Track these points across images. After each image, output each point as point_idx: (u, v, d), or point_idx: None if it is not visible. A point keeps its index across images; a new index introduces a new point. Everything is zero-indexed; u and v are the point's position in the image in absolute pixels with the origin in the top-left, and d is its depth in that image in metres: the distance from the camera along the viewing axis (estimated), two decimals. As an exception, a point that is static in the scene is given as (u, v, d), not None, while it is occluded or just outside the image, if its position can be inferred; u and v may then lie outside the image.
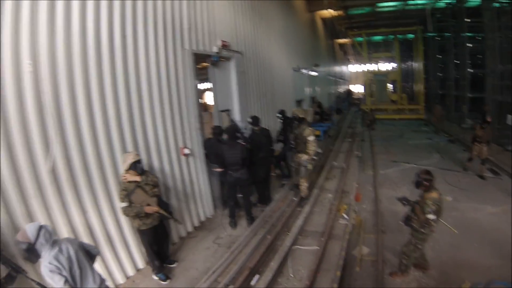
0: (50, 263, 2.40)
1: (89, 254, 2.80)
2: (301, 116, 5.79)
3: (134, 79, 4.40)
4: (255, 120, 6.36)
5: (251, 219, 5.61)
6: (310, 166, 5.95)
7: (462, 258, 4.66)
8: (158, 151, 4.87)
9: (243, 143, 5.42)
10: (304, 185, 6.00)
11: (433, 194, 3.64)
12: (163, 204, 4.07)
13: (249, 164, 5.48)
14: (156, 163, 4.80)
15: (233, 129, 5.46)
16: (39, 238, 2.40)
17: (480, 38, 14.69)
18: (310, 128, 5.67)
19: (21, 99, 3.11)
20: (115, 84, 4.11)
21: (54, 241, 2.52)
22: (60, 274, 2.40)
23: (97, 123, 3.89)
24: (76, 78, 3.63)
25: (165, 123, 4.98)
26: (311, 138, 5.58)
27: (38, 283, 2.56)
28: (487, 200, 6.53)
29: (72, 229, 3.59)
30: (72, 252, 2.56)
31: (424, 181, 3.70)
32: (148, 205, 3.79)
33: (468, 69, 13.69)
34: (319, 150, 10.56)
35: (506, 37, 10.00)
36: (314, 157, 6.11)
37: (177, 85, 5.25)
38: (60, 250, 2.51)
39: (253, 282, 3.87)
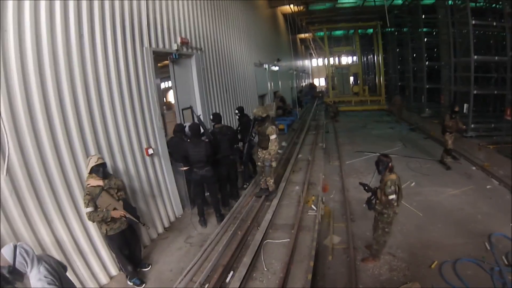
0: (46, 277, 2.45)
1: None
2: (263, 115, 5.43)
3: (93, 80, 4.29)
4: (215, 118, 6.24)
5: (220, 217, 5.63)
6: (274, 164, 5.73)
7: (428, 239, 4.96)
8: (122, 153, 4.80)
9: (207, 140, 5.46)
10: (270, 182, 5.82)
11: (392, 176, 3.93)
12: (129, 208, 4.02)
13: (213, 162, 5.52)
14: (120, 165, 4.74)
15: (197, 126, 5.44)
16: (17, 257, 2.40)
17: (435, 33, 15.84)
18: (273, 126, 5.34)
19: None
20: (73, 86, 4.00)
21: (38, 257, 2.54)
22: (56, 286, 2.49)
23: (55, 126, 3.77)
24: (31, 80, 3.48)
25: (127, 123, 4.92)
26: (273, 136, 5.31)
27: None
28: (448, 183, 7.02)
29: (38, 241, 3.53)
30: (54, 266, 2.62)
31: (381, 163, 4.05)
32: (115, 209, 3.76)
33: (425, 62, 14.62)
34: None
35: (458, 32, 10.81)
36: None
37: (138, 85, 5.19)
38: (49, 264, 2.56)
39: (228, 279, 3.87)
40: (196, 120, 6.23)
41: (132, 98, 5.04)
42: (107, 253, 4.30)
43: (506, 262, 4.25)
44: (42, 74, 3.60)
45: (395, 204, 3.93)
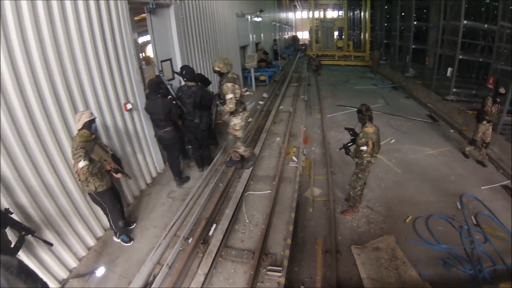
0: None
1: None
2: (221, 68, 4.63)
3: (65, 38, 3.80)
4: (187, 73, 5.28)
5: (180, 180, 5.49)
6: (238, 134, 4.97)
7: (405, 194, 5.13)
8: (99, 109, 4.49)
9: (170, 97, 5.08)
10: (241, 150, 5.13)
11: (367, 129, 4.01)
12: (117, 159, 4.04)
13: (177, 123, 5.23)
14: (98, 121, 4.37)
15: (155, 82, 4.97)
16: None
17: None
18: (229, 83, 4.56)
19: None
20: (43, 46, 3.50)
21: None
22: None
23: (25, 87, 3.33)
24: None
25: (103, 79, 4.55)
26: (228, 96, 4.58)
27: (45, 241, 3.06)
28: (426, 142, 7.19)
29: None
30: None
31: (360, 114, 4.08)
32: (105, 161, 3.73)
33: (413, 22, 14.29)
34: (264, 95, 10.48)
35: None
36: (248, 120, 5.38)
37: (113, 38, 4.75)
38: None
39: (211, 232, 3.86)
40: (158, 74, 5.51)
41: (108, 53, 4.63)
42: (91, 214, 4.19)
43: (474, 222, 4.47)
44: (6, 32, 3.11)
45: (365, 155, 4.04)
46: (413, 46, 14.24)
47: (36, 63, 3.44)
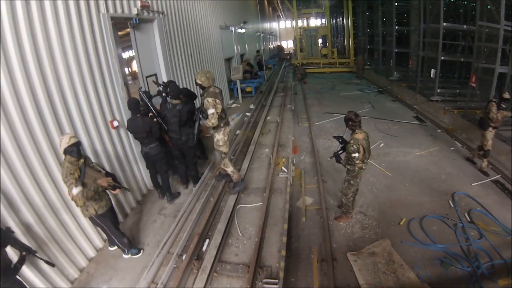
0: None
1: None
2: (203, 82, 4.52)
3: (47, 54, 3.74)
4: (171, 90, 5.18)
5: (170, 196, 5.41)
6: (223, 149, 4.81)
7: (397, 197, 5.17)
8: (86, 128, 4.41)
9: (151, 115, 5.04)
10: (229, 170, 4.97)
11: (357, 135, 4.00)
12: (109, 176, 3.90)
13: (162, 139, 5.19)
14: (85, 141, 4.37)
15: (133, 101, 4.88)
16: None
17: None
18: (210, 98, 4.44)
19: None
20: (24, 63, 3.46)
21: None
22: None
23: (7, 105, 3.28)
24: None
25: (89, 97, 4.50)
26: (210, 111, 4.45)
27: (47, 261, 3.04)
28: (415, 144, 7.29)
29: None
30: None
31: (349, 121, 4.05)
32: (100, 180, 3.63)
33: (395, 26, 14.71)
34: (251, 106, 10.54)
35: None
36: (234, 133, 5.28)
37: (97, 55, 4.72)
38: None
39: (204, 248, 3.85)
40: (142, 91, 5.40)
41: (92, 70, 4.60)
42: (82, 235, 4.11)
43: (468, 219, 4.52)
44: None
45: (357, 162, 4.03)
46: (396, 50, 14.65)
47: (19, 82, 3.41)
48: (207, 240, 3.95)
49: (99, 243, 4.37)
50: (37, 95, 3.64)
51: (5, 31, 3.26)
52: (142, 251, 4.25)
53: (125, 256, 4.17)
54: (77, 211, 3.88)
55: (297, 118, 9.61)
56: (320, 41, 27.15)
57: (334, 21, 29.75)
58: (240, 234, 4.01)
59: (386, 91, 13.44)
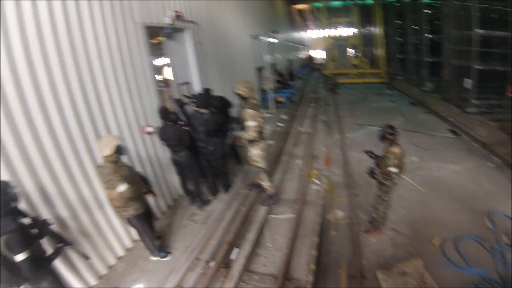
0: None
1: None
2: (244, 92, 4.34)
3: (84, 61, 3.91)
4: (198, 100, 5.13)
5: (200, 202, 5.37)
6: (260, 164, 4.69)
7: (430, 215, 4.92)
8: (120, 133, 4.52)
9: (181, 123, 5.03)
10: (265, 184, 4.94)
11: (395, 149, 3.79)
12: (144, 180, 4.05)
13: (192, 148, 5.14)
14: None
15: (163, 108, 4.96)
16: None
17: (437, 5, 15.14)
18: (252, 110, 4.28)
19: None
20: (64, 70, 3.61)
21: None
22: None
23: (50, 112, 3.44)
24: (19, 65, 3.10)
25: (123, 103, 4.61)
26: (250, 123, 4.27)
27: (83, 254, 3.18)
28: (450, 158, 6.92)
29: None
30: None
31: (387, 135, 3.83)
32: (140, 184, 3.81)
33: (426, 35, 14.10)
34: (284, 117, 10.54)
35: (460, 5, 10.32)
36: (269, 142, 5.07)
37: (132, 63, 4.82)
38: None
39: (233, 256, 3.83)
40: (173, 99, 5.60)
41: (127, 77, 4.72)
42: (112, 232, 4.21)
43: (506, 241, 4.22)
44: (30, 59, 3.24)
45: (395, 176, 3.84)
46: (428, 59, 14.00)
47: (59, 87, 3.55)
48: (236, 249, 3.93)
49: (128, 243, 4.45)
50: (75, 99, 3.77)
51: (46, 40, 3.41)
52: (170, 254, 4.24)
53: (153, 258, 4.19)
54: (109, 209, 4.02)
55: (329, 130, 9.45)
56: (350, 50, 26.66)
57: (364, 30, 29.17)
58: (270, 245, 3.99)
59: (418, 102, 12.88)
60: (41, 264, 2.64)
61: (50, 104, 3.45)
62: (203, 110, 4.98)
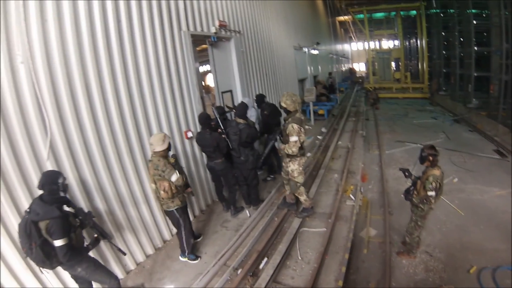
0: None
1: None
2: (288, 106, 4.18)
3: (132, 65, 4.16)
4: (238, 110, 5.08)
5: (234, 210, 5.36)
6: (299, 179, 4.51)
7: (468, 240, 4.55)
8: None
9: (219, 131, 5.02)
10: (301, 199, 4.78)
11: (435, 171, 3.55)
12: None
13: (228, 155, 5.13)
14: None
15: (203, 115, 4.94)
16: None
17: (485, 15, 13.91)
18: (296, 125, 4.06)
19: (17, 91, 2.96)
20: (113, 73, 3.90)
21: None
22: None
23: (97, 112, 3.72)
24: (73, 68, 3.42)
25: (167, 107, 4.80)
26: (293, 138, 4.08)
27: (120, 249, 3.19)
28: (494, 182, 6.34)
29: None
30: None
31: (429, 156, 3.58)
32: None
33: (473, 47, 13.01)
34: (323, 129, 10.41)
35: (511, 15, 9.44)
36: (307, 155, 4.83)
37: (177, 69, 5.02)
38: None
39: (261, 266, 3.79)
40: (214, 107, 5.54)
41: (171, 82, 4.87)
42: (143, 231, 4.33)
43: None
44: (84, 63, 3.53)
45: (433, 201, 3.59)
46: (475, 74, 12.85)
47: (108, 90, 3.80)
48: (266, 259, 3.89)
49: (159, 242, 4.55)
50: (122, 100, 3.98)
51: (99, 47, 3.67)
52: (199, 258, 4.23)
53: (181, 258, 4.21)
54: (144, 208, 4.24)
55: (367, 145, 9.16)
56: (393, 64, 25.48)
57: (407, 43, 27.68)
58: (300, 258, 3.91)
59: (463, 119, 11.89)
60: (77, 252, 2.75)
61: (97, 103, 3.67)
62: (239, 120, 4.94)
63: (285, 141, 4.27)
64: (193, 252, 4.30)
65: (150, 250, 4.42)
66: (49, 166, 3.18)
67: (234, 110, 5.40)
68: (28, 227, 2.51)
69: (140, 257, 4.27)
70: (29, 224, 2.51)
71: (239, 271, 3.68)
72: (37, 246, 2.52)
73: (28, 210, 2.59)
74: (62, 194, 2.74)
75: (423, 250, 4.34)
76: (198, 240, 4.63)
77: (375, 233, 4.84)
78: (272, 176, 6.94)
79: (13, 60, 2.91)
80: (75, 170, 3.46)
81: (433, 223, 4.90)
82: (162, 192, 3.66)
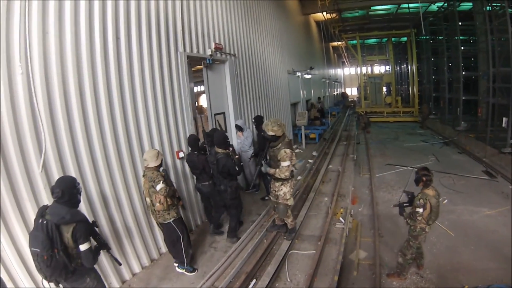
0: None
1: None
2: (276, 132, 4.10)
3: (128, 82, 4.33)
4: (214, 138, 4.84)
5: (214, 228, 5.47)
6: (289, 202, 4.50)
7: (459, 261, 4.64)
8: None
9: (205, 156, 5.10)
10: (289, 220, 4.73)
11: (428, 191, 3.76)
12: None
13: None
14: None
15: (193, 138, 5.06)
16: None
17: (472, 41, 14.76)
18: (288, 149, 4.07)
19: (13, 102, 3.06)
20: (108, 87, 4.05)
21: None
22: None
23: (91, 126, 3.83)
24: (69, 80, 3.57)
25: (159, 126, 4.93)
26: (286, 163, 4.08)
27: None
28: (483, 202, 6.52)
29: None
30: None
31: (422, 177, 3.80)
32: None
33: (461, 72, 13.72)
34: (314, 153, 10.61)
35: (497, 40, 10.10)
36: (298, 178, 4.84)
37: (172, 88, 5.20)
38: None
39: (250, 287, 3.82)
40: (204, 131, 5.49)
41: (166, 102, 5.02)
42: (141, 242, 4.45)
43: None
44: (80, 74, 3.67)
45: (419, 218, 3.74)
46: (464, 98, 13.45)
47: (102, 104, 3.94)
48: (254, 280, 3.93)
49: (155, 255, 4.67)
50: (115, 116, 4.12)
51: (97, 62, 3.83)
52: (196, 271, 4.38)
53: (178, 270, 4.35)
54: (143, 221, 4.36)
55: (358, 168, 9.34)
56: (384, 88, 26.35)
57: (398, 68, 28.87)
58: (289, 280, 3.94)
59: (452, 142, 12.30)
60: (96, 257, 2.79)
61: (91, 115, 3.80)
62: (218, 149, 4.77)
63: (275, 166, 4.25)
64: (191, 264, 4.44)
65: (146, 262, 4.58)
66: (40, 178, 3.27)
67: (205, 139, 5.22)
68: (50, 232, 2.47)
69: (137, 268, 4.41)
70: (51, 229, 2.48)
71: (227, 293, 3.69)
72: (60, 252, 2.50)
73: (43, 215, 2.56)
74: (79, 198, 2.78)
75: (414, 271, 4.38)
76: (191, 274, 4.53)
77: (365, 255, 4.89)
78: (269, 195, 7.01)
79: (12, 70, 3.04)
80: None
81: (424, 244, 4.97)
82: (158, 204, 3.82)
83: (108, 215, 4.01)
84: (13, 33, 3.04)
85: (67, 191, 2.62)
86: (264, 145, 6.57)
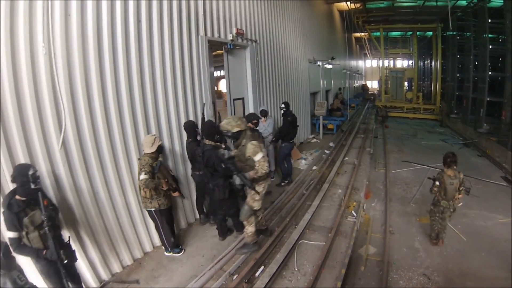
0: None
1: None
2: (232, 129, 3.68)
3: (148, 65, 4.29)
4: (203, 128, 4.42)
5: (205, 218, 5.33)
6: (255, 204, 3.96)
7: (468, 266, 4.47)
8: (171, 137, 4.83)
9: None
10: (249, 228, 4.07)
11: (448, 171, 4.48)
12: (175, 180, 4.40)
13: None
14: (168, 144, 4.79)
15: (190, 125, 4.74)
16: None
17: (501, 40, 13.74)
18: (254, 141, 3.67)
19: (36, 84, 3.09)
20: (129, 70, 4.03)
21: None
22: None
23: (110, 110, 3.85)
24: (91, 64, 3.56)
25: (178, 109, 4.90)
26: (259, 155, 3.62)
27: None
28: (499, 209, 6.22)
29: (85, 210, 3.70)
30: None
31: (447, 158, 4.51)
32: (167, 181, 4.12)
33: (488, 72, 12.87)
34: (331, 144, 10.42)
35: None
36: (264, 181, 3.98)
37: (192, 72, 5.11)
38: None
39: (257, 273, 3.83)
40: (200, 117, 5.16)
41: (185, 85, 4.95)
42: (144, 228, 4.44)
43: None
44: (101, 57, 3.64)
45: (435, 189, 4.57)
46: (488, 99, 12.68)
47: (122, 87, 3.92)
48: (262, 267, 3.92)
49: (157, 241, 4.57)
50: (135, 100, 4.10)
51: (118, 44, 3.80)
52: (183, 250, 4.44)
53: (166, 254, 4.37)
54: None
55: (374, 163, 9.11)
56: (406, 83, 25.30)
57: (421, 64, 27.49)
58: (296, 269, 3.92)
59: (472, 144, 11.68)
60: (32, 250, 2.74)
61: (111, 99, 3.80)
62: (206, 141, 4.19)
63: (245, 168, 3.74)
64: (178, 244, 4.50)
65: (148, 248, 4.54)
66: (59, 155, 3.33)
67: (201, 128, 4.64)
68: None
69: (138, 254, 4.40)
70: None
71: (234, 277, 3.73)
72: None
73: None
74: (33, 186, 2.65)
75: (421, 272, 4.28)
76: (178, 254, 4.45)
77: (374, 251, 4.80)
78: (286, 181, 7.07)
79: (34, 51, 3.05)
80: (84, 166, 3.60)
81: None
82: (142, 191, 3.88)
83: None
84: (36, 15, 3.04)
85: (17, 178, 2.65)
86: (288, 129, 6.63)
